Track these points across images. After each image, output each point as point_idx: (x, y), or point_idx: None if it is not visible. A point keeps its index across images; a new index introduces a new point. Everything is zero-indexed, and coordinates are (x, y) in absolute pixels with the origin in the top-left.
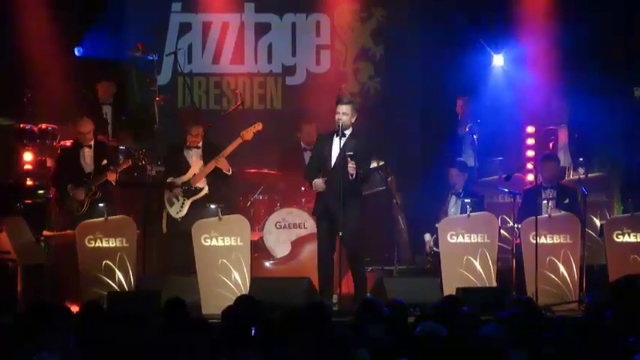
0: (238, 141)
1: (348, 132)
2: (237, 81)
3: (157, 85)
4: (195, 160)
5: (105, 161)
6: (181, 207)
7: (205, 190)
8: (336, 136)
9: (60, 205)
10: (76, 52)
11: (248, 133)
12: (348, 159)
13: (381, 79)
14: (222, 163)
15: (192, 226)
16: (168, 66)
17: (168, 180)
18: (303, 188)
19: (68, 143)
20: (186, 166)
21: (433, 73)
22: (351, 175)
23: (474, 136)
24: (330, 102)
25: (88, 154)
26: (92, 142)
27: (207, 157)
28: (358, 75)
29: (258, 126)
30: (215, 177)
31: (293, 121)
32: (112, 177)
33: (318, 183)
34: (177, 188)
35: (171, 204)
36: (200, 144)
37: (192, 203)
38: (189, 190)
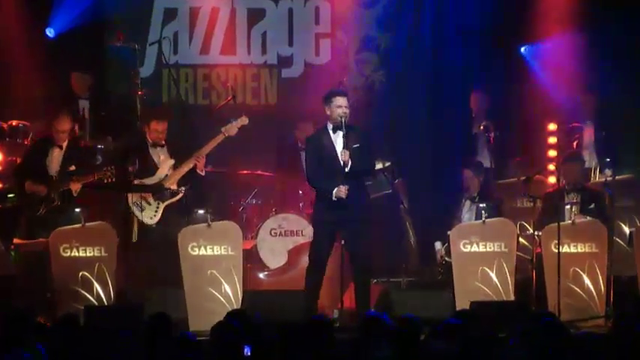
0: (220, 137)
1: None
2: (227, 73)
3: (139, 78)
4: (163, 159)
5: (73, 167)
6: (155, 212)
7: (181, 194)
8: (334, 133)
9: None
10: (49, 34)
11: (231, 129)
12: (344, 151)
13: (387, 72)
14: (200, 163)
15: (166, 234)
16: (151, 56)
17: (136, 182)
18: (300, 192)
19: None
20: (153, 167)
21: (445, 64)
22: (346, 165)
23: (490, 135)
24: None
25: (56, 155)
26: (65, 143)
27: (178, 155)
28: (362, 67)
29: (244, 120)
30: (188, 178)
31: (289, 117)
32: (75, 187)
33: (342, 190)
34: (162, 190)
35: (142, 209)
36: (163, 142)
37: (165, 207)
38: (163, 193)
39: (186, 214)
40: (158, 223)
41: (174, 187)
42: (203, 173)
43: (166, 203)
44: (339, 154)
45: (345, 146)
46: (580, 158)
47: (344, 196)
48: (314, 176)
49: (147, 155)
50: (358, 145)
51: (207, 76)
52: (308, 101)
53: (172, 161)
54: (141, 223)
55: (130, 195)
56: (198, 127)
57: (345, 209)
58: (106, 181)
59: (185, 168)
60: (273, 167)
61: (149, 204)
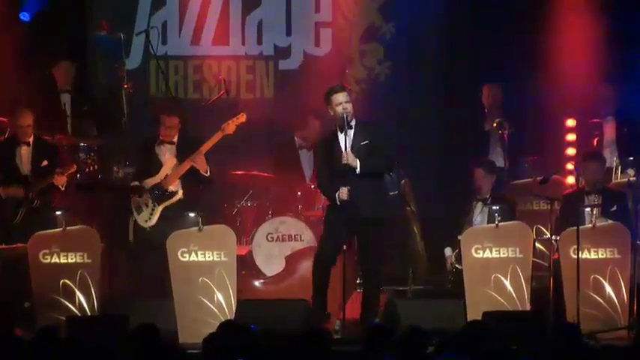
0: (218, 135)
1: (353, 123)
2: (220, 65)
3: (125, 70)
4: (168, 157)
5: (45, 162)
6: (151, 214)
7: (179, 195)
8: (340, 132)
9: None
10: (23, 18)
11: (230, 126)
12: (346, 152)
13: (393, 63)
14: (200, 163)
15: (163, 238)
16: (138, 47)
17: (133, 184)
18: (299, 193)
19: (3, 138)
20: (157, 166)
21: (456, 55)
22: (350, 166)
23: (504, 132)
24: None
25: (25, 153)
26: (31, 139)
27: (182, 155)
28: (365, 58)
29: (242, 117)
30: (190, 179)
31: (287, 112)
32: (59, 180)
33: (344, 192)
34: (146, 193)
35: (139, 210)
36: (175, 139)
37: (163, 210)
38: (160, 195)
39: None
40: (154, 227)
41: (173, 188)
42: (208, 174)
43: (164, 205)
44: (343, 150)
45: (352, 144)
46: (601, 157)
47: (346, 198)
48: (320, 180)
49: (153, 153)
50: (368, 141)
51: (199, 68)
52: (307, 95)
53: (175, 161)
54: (137, 226)
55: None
56: (190, 124)
57: (356, 209)
58: (87, 169)
59: (182, 169)
60: (270, 167)
61: (146, 206)
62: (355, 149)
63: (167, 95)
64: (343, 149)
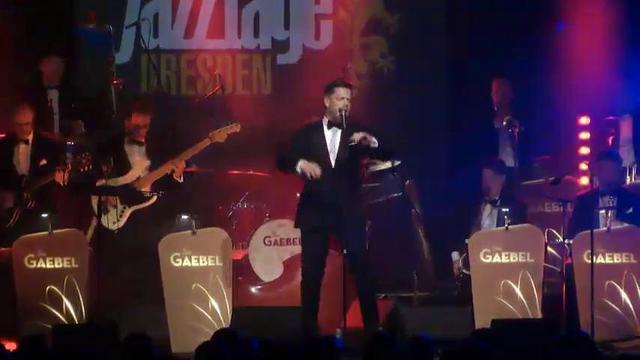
0: (206, 142)
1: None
2: (215, 60)
3: (114, 65)
4: (139, 159)
5: (44, 161)
6: (120, 216)
7: (153, 200)
8: (328, 129)
9: None
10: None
11: (220, 135)
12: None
13: (397, 58)
14: (179, 168)
15: (132, 242)
16: (128, 41)
17: (98, 183)
18: (298, 194)
19: (1, 136)
20: (125, 166)
21: (463, 49)
22: (352, 142)
23: (514, 130)
24: None
25: (23, 152)
26: (30, 137)
27: (155, 157)
28: (368, 52)
29: (236, 127)
30: (162, 183)
31: (285, 109)
32: (60, 177)
33: (314, 168)
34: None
35: (105, 211)
36: (143, 139)
37: (132, 213)
38: (131, 196)
39: (158, 221)
40: (122, 229)
41: (146, 190)
42: (181, 180)
43: (134, 209)
44: (329, 153)
45: (340, 143)
46: (616, 156)
47: (317, 176)
48: (280, 159)
49: (121, 152)
50: (354, 143)
51: (192, 62)
52: (306, 91)
53: (148, 162)
54: (101, 227)
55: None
56: (181, 123)
57: (334, 211)
58: (82, 169)
59: (160, 172)
60: (268, 167)
61: (114, 207)
62: (343, 151)
63: (158, 91)
64: (330, 148)
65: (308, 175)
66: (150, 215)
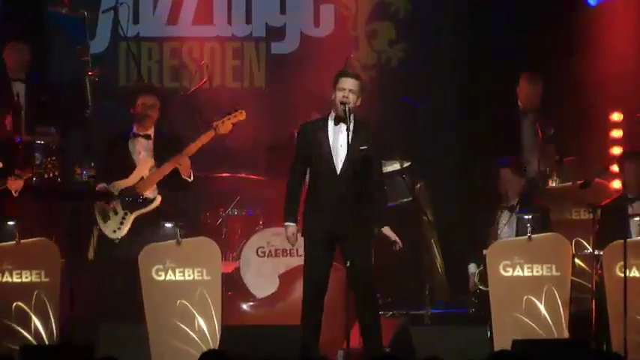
0: (210, 135)
1: (351, 118)
2: (202, 48)
3: (89, 55)
4: (143, 157)
5: (0, 164)
6: (121, 224)
7: (157, 202)
8: (335, 125)
9: None
10: None
11: (225, 125)
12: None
13: (407, 46)
14: (185, 165)
15: (135, 252)
16: (105, 27)
17: (99, 186)
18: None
19: None
20: (129, 166)
21: (481, 37)
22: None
23: (542, 128)
24: (332, 78)
25: None
26: None
27: (160, 155)
28: (374, 40)
29: (241, 115)
30: (169, 184)
31: (281, 104)
32: (14, 185)
33: (291, 231)
34: (116, 198)
35: (106, 218)
36: (151, 131)
37: (136, 219)
38: (133, 201)
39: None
40: (124, 238)
41: (149, 193)
42: (191, 178)
43: (136, 214)
44: (333, 154)
45: (349, 144)
46: None
47: (291, 242)
48: (290, 181)
49: (124, 150)
50: (366, 147)
51: (177, 51)
52: (305, 84)
53: (152, 161)
54: (101, 238)
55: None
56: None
57: (339, 220)
58: (47, 175)
59: (163, 171)
60: (261, 169)
61: (115, 213)
62: (351, 152)
63: (138, 84)
64: (335, 147)
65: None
66: (154, 221)
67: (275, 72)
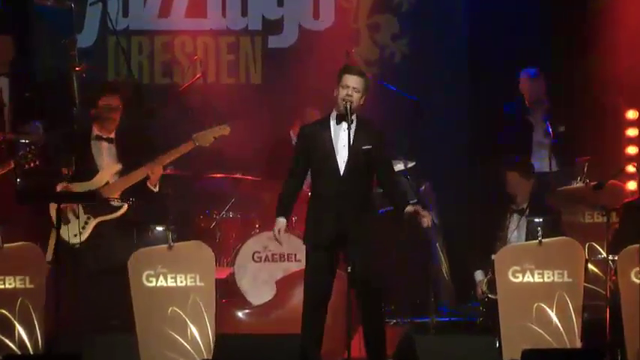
0: (188, 146)
1: (353, 118)
2: (195, 42)
3: (76, 49)
4: (108, 161)
5: None
6: (82, 228)
7: (123, 210)
8: (337, 124)
9: None
10: None
11: (205, 139)
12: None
13: (411, 41)
14: (156, 175)
15: (96, 259)
16: (93, 20)
17: (61, 185)
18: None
19: None
20: (91, 168)
21: (488, 32)
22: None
23: (552, 127)
24: (332, 74)
25: None
26: None
27: (126, 158)
28: (376, 34)
29: (224, 130)
30: (133, 190)
31: (278, 101)
32: None
33: (278, 227)
34: (102, 201)
35: (65, 221)
36: (113, 134)
37: (98, 225)
38: (97, 205)
39: (127, 234)
40: (85, 243)
41: (114, 200)
42: (156, 189)
43: (99, 220)
44: (336, 155)
45: (351, 144)
46: None
47: (277, 239)
48: (286, 184)
49: (87, 151)
50: (370, 147)
51: (168, 46)
52: (303, 80)
53: (119, 166)
54: (59, 241)
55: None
56: (156, 118)
57: (342, 224)
58: (27, 166)
59: (133, 178)
60: (257, 169)
61: (76, 217)
62: (354, 152)
63: (128, 79)
64: (338, 146)
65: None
66: (117, 227)
67: (272, 67)
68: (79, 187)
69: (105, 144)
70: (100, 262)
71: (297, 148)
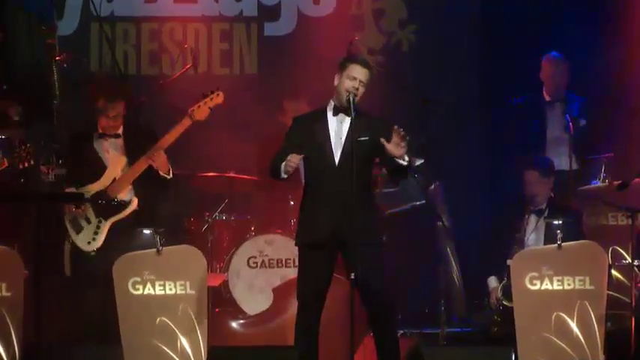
0: (185, 123)
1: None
2: (186, 30)
3: (56, 37)
4: (114, 156)
5: None
6: (95, 233)
7: (134, 205)
8: (334, 115)
9: None
10: None
11: (201, 111)
12: (399, 135)
13: (420, 27)
14: (160, 161)
15: (113, 264)
16: (75, 5)
17: (68, 190)
18: (292, 202)
19: None
20: (98, 167)
21: (504, 15)
22: (364, 138)
23: (571, 122)
24: (332, 64)
25: None
26: None
27: (133, 152)
28: (381, 20)
29: (218, 98)
30: (147, 184)
31: (275, 93)
32: None
33: (294, 159)
34: (87, 203)
35: (78, 229)
36: (120, 130)
37: (112, 227)
38: (107, 206)
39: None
40: (100, 250)
41: (123, 196)
42: (170, 175)
43: (112, 221)
44: (333, 147)
45: (346, 135)
46: None
47: (294, 165)
48: (273, 166)
49: (91, 150)
50: (367, 138)
51: (156, 33)
52: (301, 71)
53: (125, 160)
54: (75, 250)
55: (66, 210)
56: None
57: (340, 222)
58: (21, 166)
59: (137, 169)
60: (253, 167)
61: (88, 222)
62: (352, 145)
63: (114, 70)
64: (334, 139)
65: (290, 167)
66: (133, 227)
67: (268, 56)
68: (89, 189)
69: (111, 140)
70: (109, 270)
71: (289, 135)
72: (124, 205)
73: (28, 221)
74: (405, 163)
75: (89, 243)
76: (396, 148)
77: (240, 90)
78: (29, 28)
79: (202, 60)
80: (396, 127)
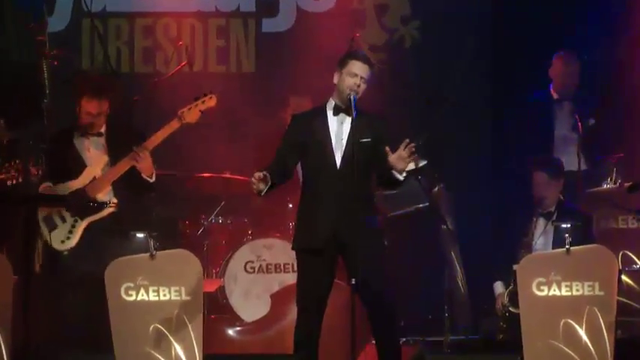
0: (174, 125)
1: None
2: (180, 26)
3: (46, 33)
4: (95, 154)
5: None
6: (70, 232)
7: (111, 206)
8: (334, 114)
9: None
10: None
11: (192, 113)
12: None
13: (423, 23)
14: (144, 162)
15: (88, 266)
16: (66, 1)
17: (43, 186)
18: (291, 205)
19: None
20: (78, 165)
21: (512, 11)
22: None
23: (580, 121)
24: (333, 62)
25: None
26: None
27: (116, 151)
28: (383, 16)
29: (211, 101)
30: (129, 185)
31: (273, 91)
32: None
33: (257, 177)
34: (63, 201)
35: (52, 227)
36: (103, 129)
37: (88, 227)
38: (84, 205)
39: (121, 238)
40: (74, 249)
41: (102, 196)
42: (152, 178)
43: (88, 221)
44: (334, 148)
45: (348, 136)
46: None
47: (259, 188)
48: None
49: (70, 148)
50: (369, 139)
51: (150, 29)
52: (300, 68)
53: (106, 159)
54: (48, 249)
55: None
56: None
57: (340, 225)
58: (9, 183)
59: (119, 169)
60: (250, 167)
61: (63, 220)
62: (354, 145)
63: (105, 68)
64: (334, 139)
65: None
66: (110, 229)
67: (266, 54)
68: (63, 188)
69: (93, 138)
70: (87, 272)
71: (288, 133)
72: (103, 205)
73: (16, 223)
74: (401, 178)
75: (63, 242)
76: (399, 160)
77: (237, 88)
78: (18, 25)
79: (198, 57)
80: (407, 140)
